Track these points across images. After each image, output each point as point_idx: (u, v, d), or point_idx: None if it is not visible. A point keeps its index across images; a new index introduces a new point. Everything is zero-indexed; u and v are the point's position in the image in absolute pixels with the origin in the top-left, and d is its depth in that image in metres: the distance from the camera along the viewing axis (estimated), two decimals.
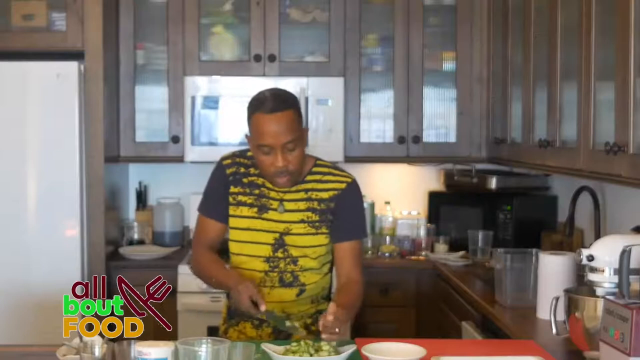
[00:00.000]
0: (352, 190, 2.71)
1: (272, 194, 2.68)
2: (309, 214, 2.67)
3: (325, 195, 2.68)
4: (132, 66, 4.42)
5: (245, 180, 2.71)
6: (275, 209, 2.68)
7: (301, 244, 2.67)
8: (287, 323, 2.53)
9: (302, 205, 2.67)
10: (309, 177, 2.69)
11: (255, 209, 2.69)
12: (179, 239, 4.56)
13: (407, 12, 4.43)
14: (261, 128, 2.54)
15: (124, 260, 4.24)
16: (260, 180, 2.69)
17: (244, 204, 2.70)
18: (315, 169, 2.71)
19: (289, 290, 2.69)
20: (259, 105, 2.56)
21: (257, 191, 2.70)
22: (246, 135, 2.65)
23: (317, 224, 2.67)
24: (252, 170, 2.71)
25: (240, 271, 2.67)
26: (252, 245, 2.70)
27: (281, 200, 2.68)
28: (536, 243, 4.04)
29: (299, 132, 2.58)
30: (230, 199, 2.72)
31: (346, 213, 2.69)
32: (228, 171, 2.73)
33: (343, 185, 2.69)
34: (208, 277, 2.73)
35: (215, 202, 2.74)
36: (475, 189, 4.44)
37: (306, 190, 2.68)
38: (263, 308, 2.45)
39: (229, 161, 2.75)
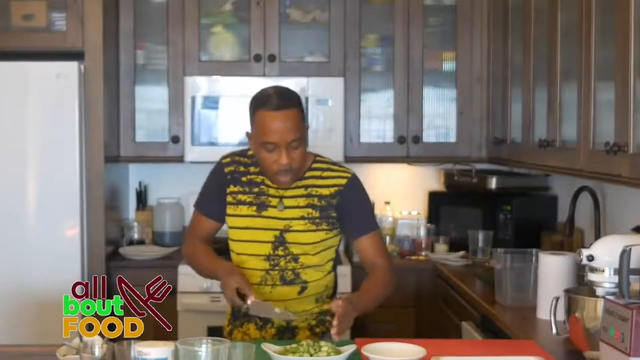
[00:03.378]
0: (355, 185, 2.71)
1: (272, 192, 2.68)
2: (309, 210, 2.67)
3: (326, 191, 2.67)
4: (132, 66, 4.42)
5: (244, 179, 2.71)
6: (275, 207, 2.67)
7: (301, 240, 2.67)
8: (276, 310, 2.49)
9: (302, 201, 2.67)
10: (309, 174, 2.69)
11: (255, 207, 2.68)
12: (179, 239, 4.56)
13: (407, 12, 4.43)
14: (267, 125, 2.53)
15: (124, 260, 4.24)
16: (259, 178, 2.69)
17: (243, 202, 2.70)
18: (314, 165, 2.71)
19: (290, 288, 2.68)
20: (265, 102, 2.55)
21: (256, 189, 2.69)
22: (247, 133, 2.64)
23: (317, 220, 2.67)
24: (251, 168, 2.71)
25: (232, 263, 2.66)
26: (252, 244, 2.69)
27: (281, 198, 2.67)
28: (536, 243, 4.04)
29: (303, 130, 2.59)
30: (230, 199, 2.71)
31: (355, 209, 2.69)
32: (227, 170, 2.73)
33: (344, 181, 2.69)
34: (200, 267, 2.74)
35: (211, 200, 2.75)
36: (475, 189, 4.44)
37: (306, 187, 2.68)
38: (252, 299, 2.45)
39: (228, 159, 2.75)
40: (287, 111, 2.53)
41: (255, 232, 2.69)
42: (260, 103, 2.56)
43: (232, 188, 2.71)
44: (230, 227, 2.74)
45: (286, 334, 2.66)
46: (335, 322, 2.34)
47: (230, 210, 2.72)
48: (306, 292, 2.70)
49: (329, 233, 2.69)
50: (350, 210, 2.68)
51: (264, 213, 2.68)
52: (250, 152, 2.71)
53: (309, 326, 2.70)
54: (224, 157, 2.77)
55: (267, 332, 2.69)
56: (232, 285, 2.49)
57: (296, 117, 2.55)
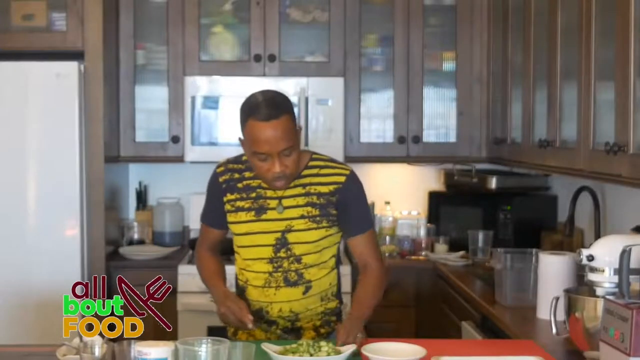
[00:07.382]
0: (353, 183, 2.70)
1: (270, 194, 2.67)
2: (309, 208, 2.66)
3: (324, 189, 2.66)
4: (132, 66, 4.42)
5: (240, 185, 2.70)
6: (274, 209, 2.67)
7: (303, 239, 2.66)
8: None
9: (301, 200, 2.66)
10: (306, 172, 2.68)
11: (253, 212, 2.68)
12: (179, 239, 4.57)
13: (407, 12, 4.44)
14: (257, 135, 2.50)
15: (124, 260, 4.24)
16: (255, 182, 2.68)
17: (241, 209, 2.69)
18: (311, 163, 2.69)
19: (295, 289, 2.67)
20: (253, 111, 2.51)
21: (253, 194, 2.69)
22: (240, 139, 2.62)
23: (317, 218, 2.65)
24: (246, 174, 2.70)
25: (226, 290, 2.70)
26: (254, 249, 2.69)
27: (279, 199, 2.67)
28: (536, 243, 4.04)
29: (295, 137, 2.56)
30: (228, 207, 2.71)
31: (353, 208, 2.68)
32: (221, 179, 2.72)
33: (343, 179, 2.67)
34: (204, 282, 2.83)
35: (212, 212, 2.78)
36: (475, 189, 4.44)
37: (304, 185, 2.67)
38: (250, 326, 2.51)
39: (222, 169, 2.75)
40: (276, 120, 2.49)
41: (256, 237, 2.68)
42: (249, 112, 2.53)
43: (229, 196, 2.71)
44: (234, 234, 2.75)
45: (291, 335, 2.65)
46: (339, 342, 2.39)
47: (230, 218, 2.71)
48: (311, 292, 2.69)
49: (329, 230, 2.68)
50: (348, 209, 2.67)
51: (264, 216, 2.67)
52: (244, 158, 2.70)
53: (314, 327, 2.69)
54: (218, 166, 2.77)
55: (272, 334, 2.68)
56: (223, 311, 2.58)
57: (287, 124, 2.51)
